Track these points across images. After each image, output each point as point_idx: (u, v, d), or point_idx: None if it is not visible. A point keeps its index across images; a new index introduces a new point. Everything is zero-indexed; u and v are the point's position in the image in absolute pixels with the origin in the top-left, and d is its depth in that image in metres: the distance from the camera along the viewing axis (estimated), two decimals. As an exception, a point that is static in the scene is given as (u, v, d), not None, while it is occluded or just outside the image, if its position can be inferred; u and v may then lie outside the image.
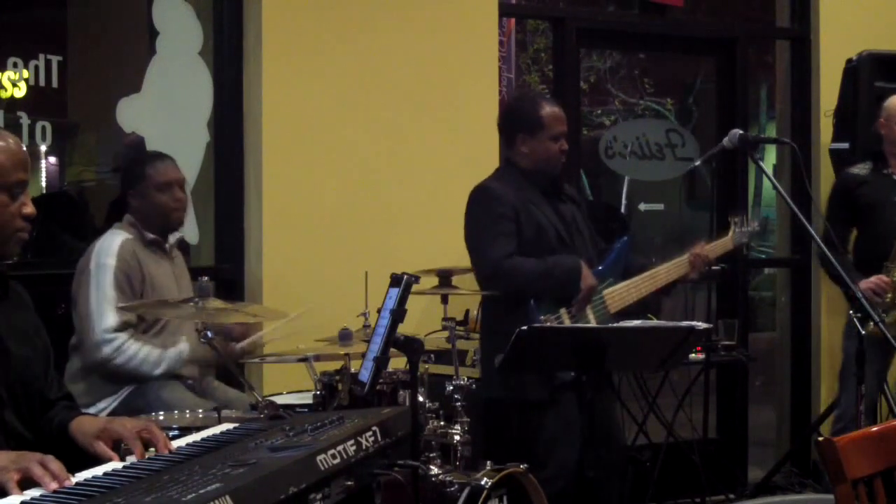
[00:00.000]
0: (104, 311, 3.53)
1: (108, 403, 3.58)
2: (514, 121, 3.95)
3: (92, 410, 3.49)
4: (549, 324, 3.70)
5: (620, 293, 3.90)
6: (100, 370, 3.57)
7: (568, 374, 3.52)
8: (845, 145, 4.89)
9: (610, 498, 3.96)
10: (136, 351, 3.55)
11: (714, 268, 4.19)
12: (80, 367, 3.63)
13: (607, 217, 6.11)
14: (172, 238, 3.87)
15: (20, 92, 4.18)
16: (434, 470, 3.26)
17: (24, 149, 2.40)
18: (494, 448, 3.97)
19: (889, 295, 4.45)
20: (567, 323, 3.76)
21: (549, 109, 3.88)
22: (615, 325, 3.62)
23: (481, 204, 3.83)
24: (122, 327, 3.56)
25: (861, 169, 4.74)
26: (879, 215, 4.58)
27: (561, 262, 3.78)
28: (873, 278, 4.47)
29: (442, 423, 3.46)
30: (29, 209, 2.36)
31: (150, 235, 3.74)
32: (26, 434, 2.31)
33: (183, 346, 3.66)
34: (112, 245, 3.62)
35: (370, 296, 3.74)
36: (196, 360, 3.73)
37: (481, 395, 3.95)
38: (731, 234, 4.21)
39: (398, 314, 2.93)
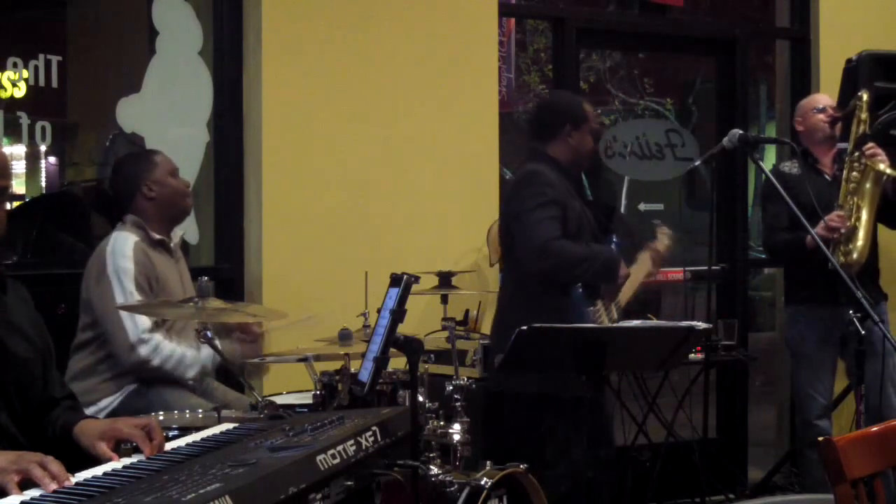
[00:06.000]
0: (136, 313, 3.52)
1: (108, 402, 3.57)
2: (561, 113, 4.03)
3: (93, 409, 3.48)
4: (598, 315, 3.79)
5: (625, 286, 3.96)
6: (135, 373, 3.56)
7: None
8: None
9: (602, 498, 3.98)
10: (171, 351, 3.54)
11: (714, 267, 4.21)
12: (82, 367, 3.62)
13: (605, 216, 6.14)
14: (176, 237, 3.86)
15: (20, 92, 4.17)
16: (434, 470, 3.25)
17: (3, 153, 2.34)
18: (501, 446, 4.01)
19: (848, 224, 4.43)
20: (604, 314, 3.83)
21: (588, 106, 4.07)
22: (615, 325, 3.63)
23: (532, 186, 3.86)
24: (154, 328, 3.55)
25: (791, 167, 4.74)
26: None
27: (604, 252, 3.87)
28: (827, 218, 4.37)
29: (442, 423, 3.45)
30: None
31: (156, 236, 3.72)
32: (20, 437, 2.30)
33: (208, 350, 3.63)
34: (125, 247, 3.59)
35: (370, 296, 3.74)
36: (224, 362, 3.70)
37: (492, 388, 4.00)
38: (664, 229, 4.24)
39: (398, 314, 2.93)
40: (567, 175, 3.97)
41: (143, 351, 3.51)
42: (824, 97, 4.88)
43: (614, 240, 4.14)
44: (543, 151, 3.99)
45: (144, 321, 3.52)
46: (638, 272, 4.03)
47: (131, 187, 3.77)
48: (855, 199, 4.50)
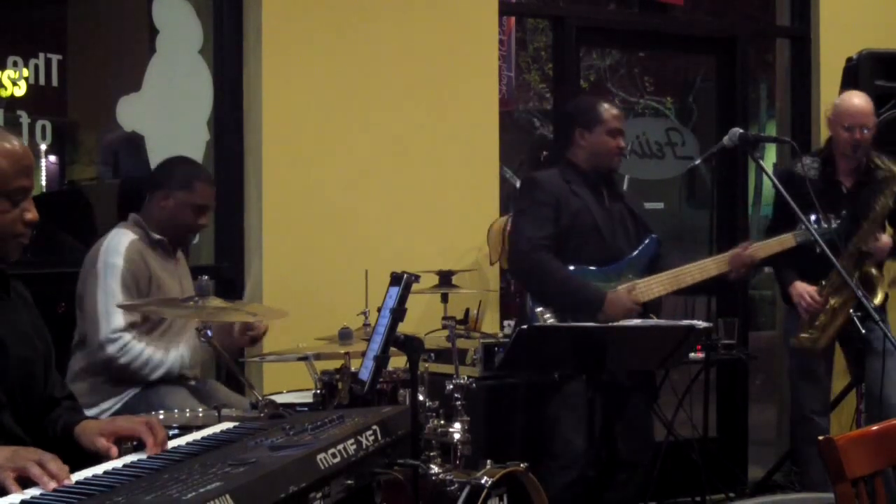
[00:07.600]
0: (112, 311, 3.50)
1: (111, 405, 3.56)
2: (573, 116, 4.16)
3: (94, 411, 3.47)
4: (547, 317, 3.77)
5: (639, 288, 3.92)
6: (102, 370, 3.56)
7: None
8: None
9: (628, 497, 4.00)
10: (139, 352, 3.53)
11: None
12: (82, 367, 3.62)
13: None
14: None
15: (20, 91, 4.17)
16: (434, 469, 3.26)
17: (29, 153, 2.33)
18: (501, 440, 4.02)
19: (821, 318, 4.41)
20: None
21: (606, 106, 4.09)
22: (615, 324, 3.63)
23: (525, 191, 4.08)
24: (128, 328, 3.55)
25: (811, 167, 4.56)
26: None
27: (587, 290, 3.86)
28: (807, 296, 4.39)
29: (442, 421, 3.45)
30: (30, 215, 2.30)
31: (156, 236, 3.71)
32: (24, 437, 2.30)
33: (183, 351, 3.62)
34: (119, 245, 3.59)
35: (370, 295, 3.74)
36: (196, 363, 3.71)
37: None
38: (795, 231, 4.12)
39: (398, 313, 2.93)
40: (585, 177, 4.03)
41: (111, 349, 3.50)
42: (861, 105, 4.52)
43: (646, 237, 4.09)
44: (563, 157, 4.14)
45: (118, 320, 3.51)
46: (708, 267, 4.02)
47: (156, 184, 3.76)
48: (837, 297, 4.39)
